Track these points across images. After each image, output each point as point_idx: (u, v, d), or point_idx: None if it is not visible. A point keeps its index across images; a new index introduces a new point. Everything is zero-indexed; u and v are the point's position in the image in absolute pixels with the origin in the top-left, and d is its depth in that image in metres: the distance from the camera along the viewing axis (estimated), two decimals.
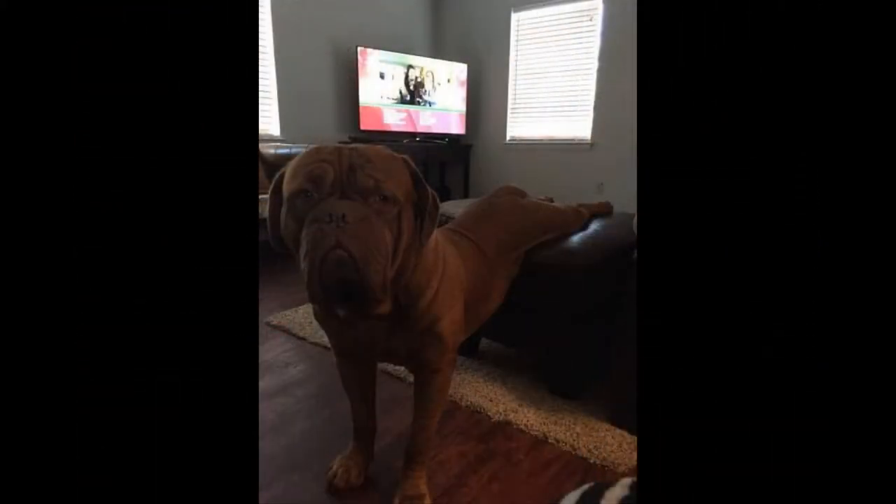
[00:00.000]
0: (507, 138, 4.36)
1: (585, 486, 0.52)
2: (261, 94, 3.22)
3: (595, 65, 3.77)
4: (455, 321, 0.94)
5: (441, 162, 4.49)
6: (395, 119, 3.90)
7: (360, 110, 3.68)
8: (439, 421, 1.00)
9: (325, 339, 1.58)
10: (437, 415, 0.97)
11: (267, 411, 1.29)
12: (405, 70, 3.88)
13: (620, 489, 0.49)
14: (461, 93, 4.23)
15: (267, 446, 1.14)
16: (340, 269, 0.64)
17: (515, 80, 4.23)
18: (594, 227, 1.50)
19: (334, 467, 1.03)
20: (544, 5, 3.91)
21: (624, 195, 3.36)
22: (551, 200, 1.61)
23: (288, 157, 1.58)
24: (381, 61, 3.73)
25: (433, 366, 0.92)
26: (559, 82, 4.01)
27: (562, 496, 0.52)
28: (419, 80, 3.97)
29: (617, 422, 1.23)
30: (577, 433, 1.20)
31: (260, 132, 3.26)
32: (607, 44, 3.68)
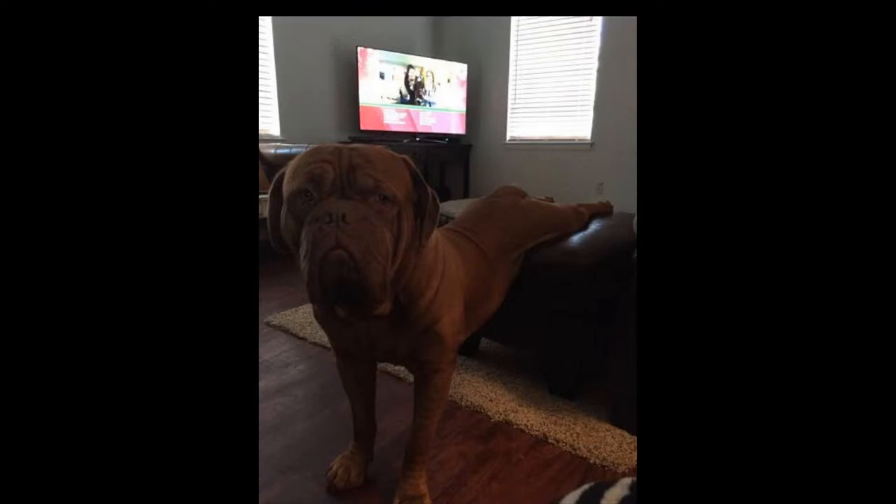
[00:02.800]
0: (507, 138, 4.36)
1: (585, 486, 0.52)
2: (261, 94, 3.22)
3: (595, 65, 3.77)
4: (455, 321, 0.94)
5: (441, 162, 4.48)
6: (395, 119, 3.90)
7: (360, 110, 3.68)
8: (439, 421, 1.00)
9: (325, 339, 1.58)
10: (437, 415, 0.97)
11: (267, 411, 1.29)
12: (405, 70, 3.88)
13: (620, 489, 0.49)
14: (461, 93, 4.23)
15: (267, 446, 1.14)
16: (340, 269, 0.64)
17: (515, 80, 4.23)
18: (594, 227, 1.50)
19: (334, 467, 1.03)
20: None
21: (624, 195, 3.36)
22: (551, 200, 1.61)
23: (288, 157, 1.58)
24: (381, 61, 3.73)
25: (433, 366, 0.92)
26: (559, 82, 4.00)
27: (562, 496, 0.52)
28: (419, 80, 3.97)
29: (617, 422, 1.24)
30: (577, 433, 1.20)
31: (260, 132, 3.26)
32: (607, 44, 3.68)
